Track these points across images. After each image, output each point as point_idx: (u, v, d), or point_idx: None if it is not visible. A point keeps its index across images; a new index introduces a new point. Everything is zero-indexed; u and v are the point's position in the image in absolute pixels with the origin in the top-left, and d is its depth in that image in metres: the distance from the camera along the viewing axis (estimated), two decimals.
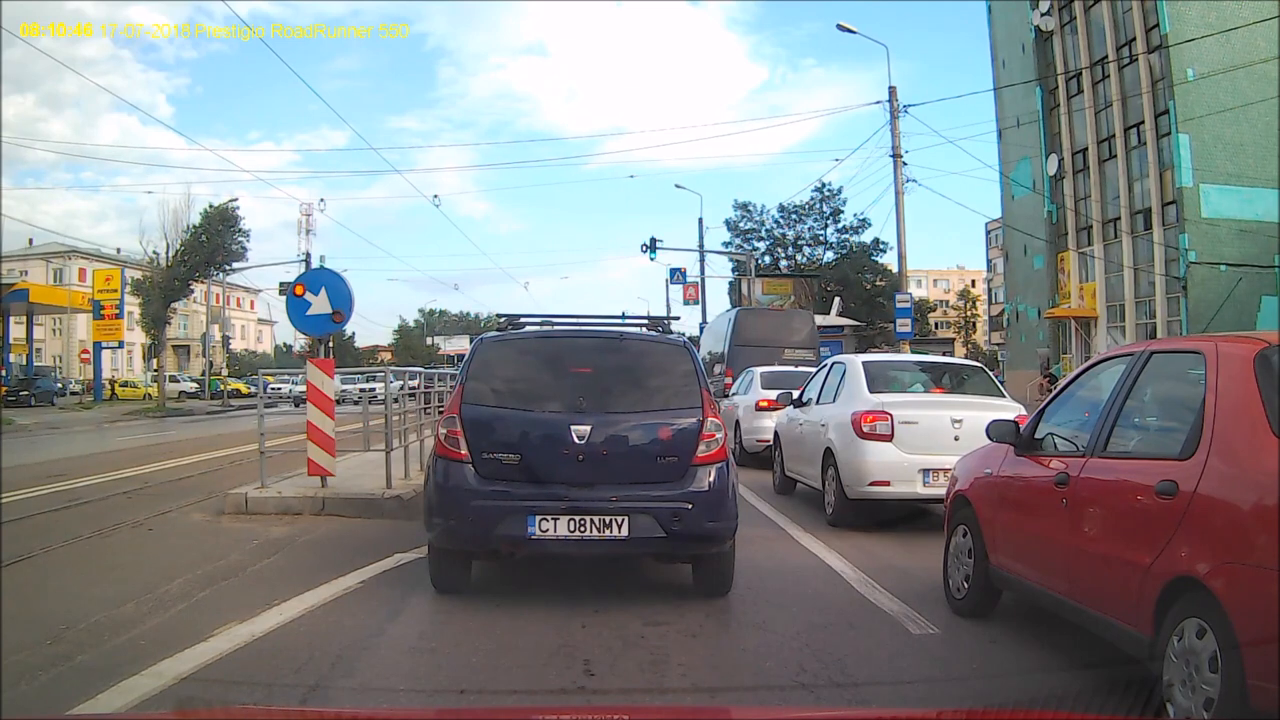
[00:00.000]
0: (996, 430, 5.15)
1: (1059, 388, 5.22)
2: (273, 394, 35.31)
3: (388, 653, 4.67)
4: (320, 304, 9.19)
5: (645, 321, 7.00)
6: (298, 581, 5.99)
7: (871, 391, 8.83)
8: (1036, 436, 5.01)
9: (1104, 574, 4.05)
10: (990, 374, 10.23)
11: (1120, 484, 4.09)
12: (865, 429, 8.35)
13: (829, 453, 8.86)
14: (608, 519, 5.30)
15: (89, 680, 4.18)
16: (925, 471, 8.19)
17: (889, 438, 8.27)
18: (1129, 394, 4.32)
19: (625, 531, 5.31)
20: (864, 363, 9.65)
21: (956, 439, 7.96)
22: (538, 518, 5.30)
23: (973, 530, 5.39)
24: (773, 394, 12.81)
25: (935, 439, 8.21)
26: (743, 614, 5.57)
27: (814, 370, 14.27)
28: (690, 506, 5.38)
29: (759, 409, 13.70)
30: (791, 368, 16.46)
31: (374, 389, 33.11)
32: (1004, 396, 9.37)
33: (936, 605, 5.60)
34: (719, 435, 5.63)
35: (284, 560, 6.97)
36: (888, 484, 8.23)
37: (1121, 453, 4.26)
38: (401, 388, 13.54)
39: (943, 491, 7.84)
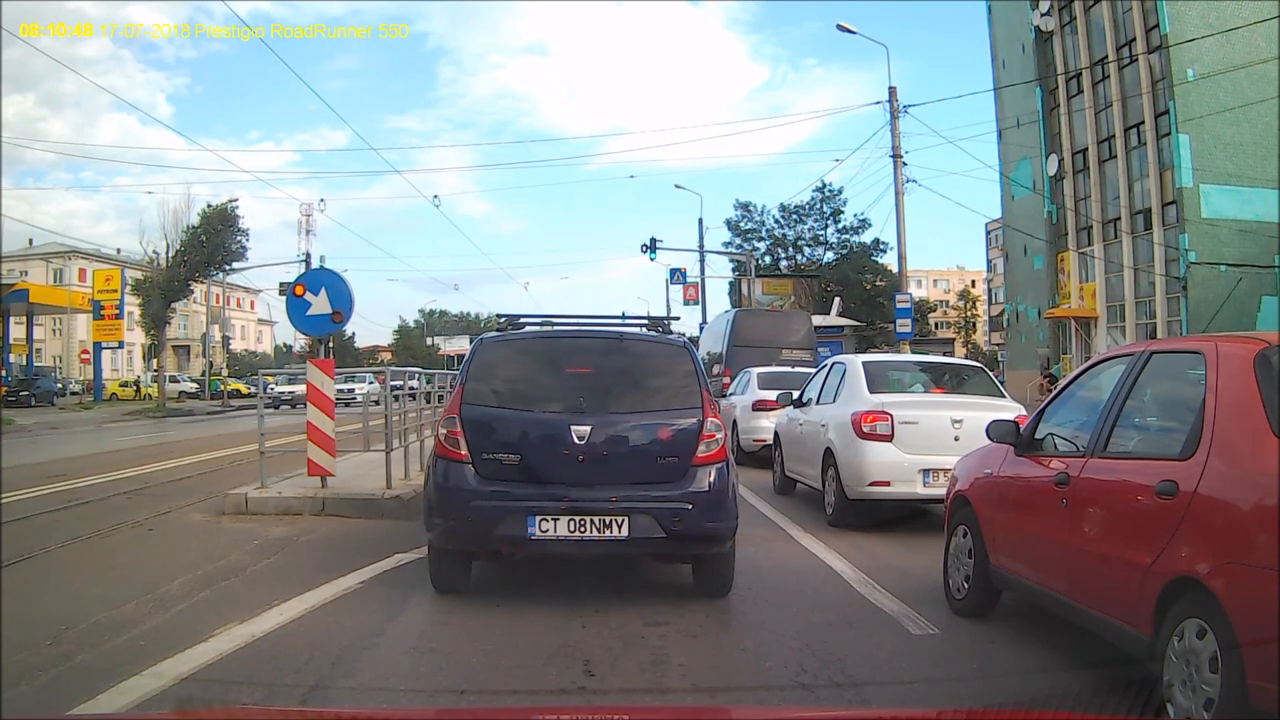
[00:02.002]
0: (997, 430, 5.15)
1: (1059, 388, 5.22)
2: (279, 395, 35.41)
3: (388, 653, 4.67)
4: (320, 304, 9.18)
5: (645, 322, 7.00)
6: (298, 582, 5.99)
7: (871, 391, 8.82)
8: (1036, 437, 5.00)
9: (1104, 574, 4.05)
10: (990, 374, 10.23)
11: (1120, 484, 4.09)
12: (865, 429, 8.33)
13: (829, 453, 8.84)
14: (608, 519, 5.30)
15: (89, 680, 4.18)
16: (925, 472, 8.18)
17: (889, 438, 8.26)
18: (1129, 394, 4.32)
19: (625, 532, 5.31)
20: (864, 363, 9.64)
21: (957, 439, 7.96)
22: (538, 518, 5.30)
23: (973, 530, 5.39)
24: (769, 394, 12.81)
25: (935, 439, 8.19)
26: (743, 614, 5.57)
27: (810, 370, 14.34)
28: (690, 507, 5.38)
29: (756, 409, 13.83)
30: (788, 368, 16.54)
31: (351, 390, 31.96)
32: (1004, 397, 9.37)
33: (936, 605, 5.60)
34: (719, 436, 5.63)
35: (284, 560, 6.97)
36: (888, 484, 8.22)
37: (1122, 453, 4.26)
38: (401, 388, 13.43)
39: (943, 492, 7.79)
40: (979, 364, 10.98)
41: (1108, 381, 4.59)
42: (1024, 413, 8.23)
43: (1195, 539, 3.46)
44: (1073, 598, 4.34)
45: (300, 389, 36.97)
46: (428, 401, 13.71)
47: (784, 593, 6.05)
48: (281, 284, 46.31)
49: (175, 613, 5.40)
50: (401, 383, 13.96)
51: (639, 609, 5.44)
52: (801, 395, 10.59)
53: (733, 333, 22.25)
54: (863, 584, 6.20)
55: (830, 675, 4.37)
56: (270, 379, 42.45)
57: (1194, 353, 4.07)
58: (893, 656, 4.77)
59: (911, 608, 5.52)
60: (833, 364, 10.30)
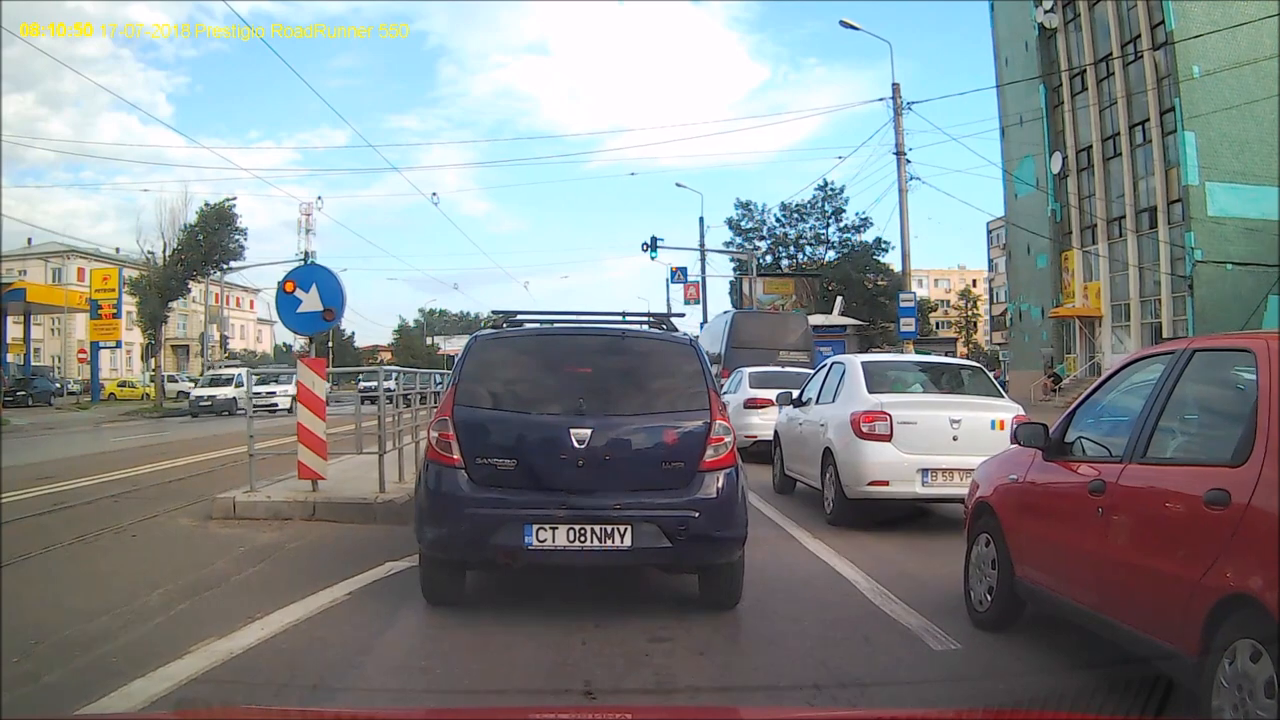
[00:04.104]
0: (1024, 433, 4.85)
1: (1090, 389, 4.92)
2: (197, 400, 31.53)
3: (374, 672, 4.38)
4: (311, 301, 8.87)
5: (649, 319, 6.58)
6: (283, 592, 5.69)
7: (870, 391, 8.80)
8: (1066, 440, 4.71)
9: (1145, 589, 3.77)
10: (989, 374, 10.23)
11: (1164, 493, 3.80)
12: (864, 429, 8.31)
13: (828, 452, 8.84)
14: (609, 528, 5.00)
15: (55, 702, 3.96)
16: (924, 471, 8.16)
17: (888, 438, 8.23)
18: (1170, 395, 4.02)
19: (628, 541, 5.01)
20: (863, 363, 9.61)
21: (955, 439, 8.12)
22: (535, 527, 5.00)
23: (996, 540, 5.10)
24: (760, 393, 13.23)
25: (934, 439, 8.21)
26: (752, 628, 5.28)
27: (800, 370, 15.07)
28: (697, 514, 5.09)
29: (747, 407, 14.23)
30: (779, 368, 16.87)
31: (272, 393, 27.66)
32: (1002, 396, 9.36)
33: (955, 617, 5.31)
34: (728, 439, 5.31)
35: (270, 569, 6.68)
36: (886, 484, 8.20)
37: (1164, 459, 3.96)
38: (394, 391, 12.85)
39: (941, 491, 8.26)
40: (978, 364, 11.02)
41: (1145, 382, 4.30)
42: (1022, 412, 8.45)
43: (1249, 553, 3.18)
44: (1108, 613, 4.06)
45: (223, 392, 31.11)
46: (422, 402, 13.32)
47: (794, 604, 5.76)
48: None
49: (152, 626, 5.11)
50: (394, 385, 13.27)
51: (642, 623, 5.14)
52: (801, 395, 10.55)
53: (731, 334, 22.64)
54: (877, 594, 5.91)
55: (848, 696, 4.11)
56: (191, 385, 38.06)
57: (1243, 350, 3.78)
58: (913, 674, 4.50)
59: (930, 620, 5.23)
60: (832, 364, 10.27)
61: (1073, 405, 4.89)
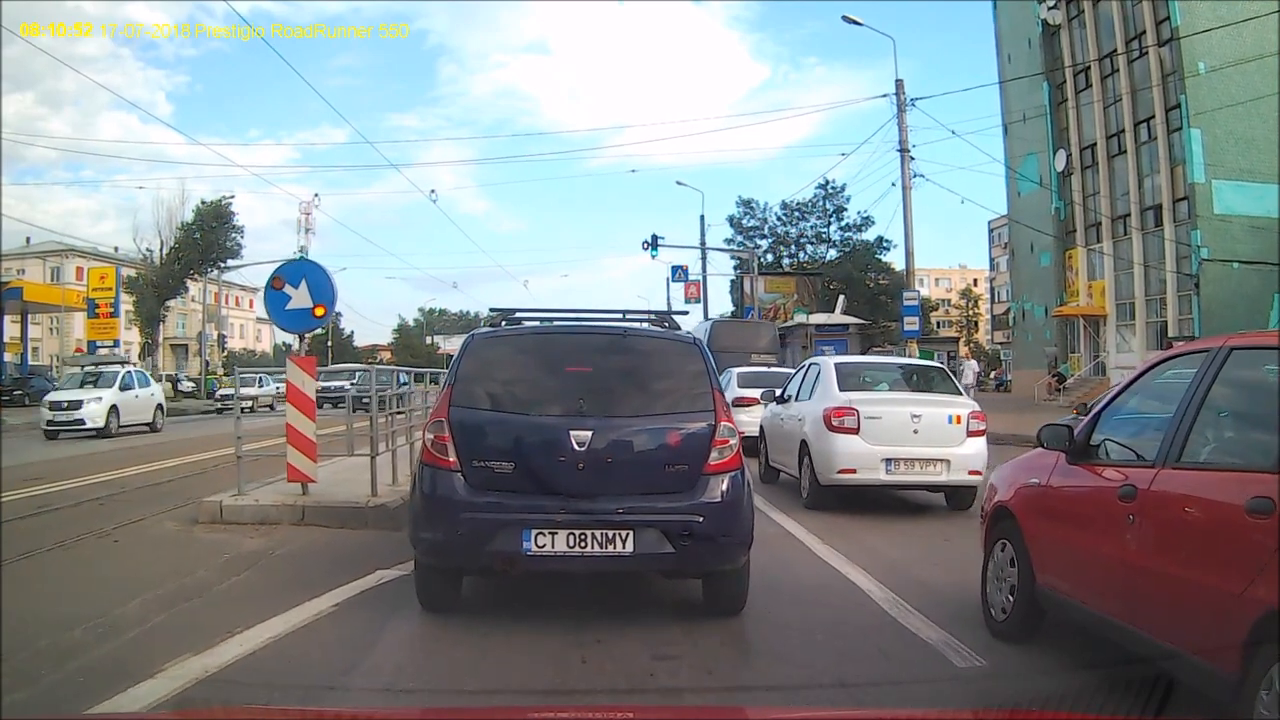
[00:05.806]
0: (1048, 435, 4.58)
1: (1118, 388, 4.66)
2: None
3: (359, 694, 4.11)
4: (300, 298, 8.55)
5: (651, 316, 6.29)
6: (267, 603, 5.42)
7: (841, 389, 9.74)
8: (1092, 443, 4.45)
9: (1179, 602, 3.54)
10: (950, 374, 11.33)
11: (1201, 500, 3.56)
12: (835, 423, 9.24)
13: (804, 444, 9.79)
14: (611, 533, 4.80)
15: None
16: (888, 461, 9.10)
17: (856, 431, 9.15)
18: (1206, 396, 3.77)
19: (630, 547, 4.79)
20: (836, 363, 10.62)
21: (916, 432, 9.12)
22: (534, 532, 4.79)
23: (1016, 546, 4.85)
24: (748, 392, 14.32)
25: (897, 432, 9.15)
26: (762, 641, 5.03)
27: (784, 370, 16.72)
28: (701, 519, 4.87)
29: (735, 405, 15.26)
30: (766, 368, 18.72)
31: (78, 403, 19.03)
32: (961, 394, 10.29)
33: (975, 628, 5.07)
34: (733, 441, 5.09)
35: (256, 577, 6.41)
36: (854, 471, 9.13)
37: (1200, 463, 3.71)
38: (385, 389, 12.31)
39: (903, 479, 9.24)
40: (940, 365, 12.33)
41: (1178, 382, 4.05)
42: (977, 409, 9.63)
43: None
44: (1138, 625, 3.81)
45: (75, 396, 20.16)
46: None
47: (804, 613, 5.51)
48: None
49: (126, 640, 4.84)
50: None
51: (646, 637, 4.88)
52: (783, 392, 11.40)
53: (710, 339, 24.42)
54: (891, 604, 5.65)
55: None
56: (49, 394, 22.44)
57: None
58: (937, 693, 4.27)
59: (949, 632, 4.98)
60: (810, 364, 11.26)
61: (1098, 406, 4.63)
